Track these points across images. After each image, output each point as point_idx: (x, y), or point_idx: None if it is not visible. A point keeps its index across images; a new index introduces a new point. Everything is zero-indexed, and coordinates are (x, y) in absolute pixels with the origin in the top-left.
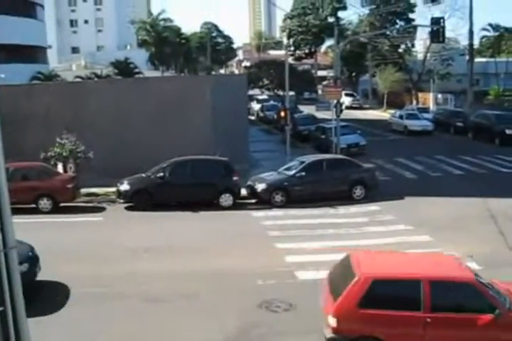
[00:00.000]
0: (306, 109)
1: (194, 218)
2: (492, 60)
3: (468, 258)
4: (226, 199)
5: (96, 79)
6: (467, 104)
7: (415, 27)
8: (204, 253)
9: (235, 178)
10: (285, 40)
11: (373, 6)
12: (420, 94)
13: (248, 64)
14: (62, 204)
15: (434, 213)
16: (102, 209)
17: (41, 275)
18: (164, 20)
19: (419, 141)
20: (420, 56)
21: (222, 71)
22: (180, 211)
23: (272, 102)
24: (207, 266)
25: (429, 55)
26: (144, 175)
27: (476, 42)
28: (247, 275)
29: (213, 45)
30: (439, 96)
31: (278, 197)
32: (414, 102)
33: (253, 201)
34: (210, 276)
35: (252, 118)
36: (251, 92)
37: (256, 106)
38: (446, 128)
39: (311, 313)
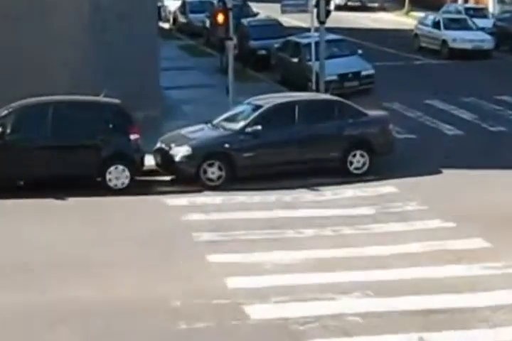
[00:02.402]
0: (265, 10)
1: (58, 211)
2: None
3: None
4: (117, 174)
5: None
6: None
7: None
8: (77, 274)
9: (133, 137)
10: None
11: None
12: None
13: None
14: None
15: (493, 199)
16: None
17: None
18: None
19: (468, 68)
20: None
21: None
22: (32, 198)
23: None
24: (82, 298)
25: None
26: None
27: None
28: (158, 314)
29: None
30: None
31: (213, 171)
32: None
33: (167, 178)
34: (87, 315)
35: (166, 26)
36: None
37: (173, 5)
38: None
39: None
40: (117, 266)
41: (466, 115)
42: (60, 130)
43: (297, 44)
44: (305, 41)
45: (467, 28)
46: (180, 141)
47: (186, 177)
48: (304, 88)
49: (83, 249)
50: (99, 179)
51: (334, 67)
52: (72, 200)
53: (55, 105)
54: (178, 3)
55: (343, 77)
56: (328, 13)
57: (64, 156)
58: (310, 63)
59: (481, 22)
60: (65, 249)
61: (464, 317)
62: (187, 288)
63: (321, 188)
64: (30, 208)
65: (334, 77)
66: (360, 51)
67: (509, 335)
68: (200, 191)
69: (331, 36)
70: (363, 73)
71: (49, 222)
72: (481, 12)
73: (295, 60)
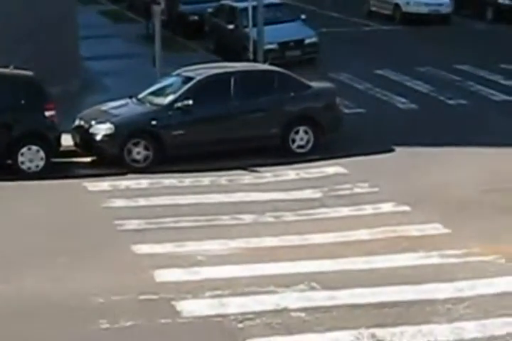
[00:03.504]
0: None
1: None
2: None
3: None
4: (31, 156)
5: None
6: None
7: None
8: None
9: (48, 114)
10: None
11: None
12: None
13: None
14: None
15: (450, 179)
16: None
17: None
18: None
19: (423, 34)
20: None
21: None
22: None
23: None
24: None
25: None
26: None
27: None
28: (77, 313)
29: None
30: None
31: (139, 152)
32: None
33: (87, 159)
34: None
35: None
36: None
37: None
38: (479, 9)
39: None
40: (30, 259)
41: (421, 87)
42: None
43: (233, 8)
44: (241, 5)
45: None
46: (102, 117)
47: (108, 159)
48: (241, 58)
49: None
50: (9, 161)
51: (274, 35)
52: None
53: None
54: None
55: (283, 45)
56: None
57: None
58: (247, 30)
59: None
60: None
61: (422, 310)
62: (110, 283)
63: (260, 169)
64: None
65: (274, 46)
66: (303, 16)
67: (470, 331)
68: (124, 174)
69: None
70: (307, 41)
71: None
72: None
73: (230, 26)
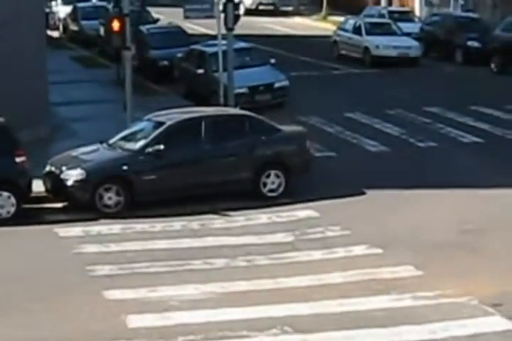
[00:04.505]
0: (166, 16)
1: None
2: None
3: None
4: (1, 202)
5: None
6: (488, 5)
7: None
8: None
9: (18, 159)
10: None
11: None
12: None
13: None
14: None
15: (422, 222)
16: None
17: None
18: None
19: (393, 77)
20: None
21: None
22: None
23: (94, 2)
24: None
25: None
26: None
27: None
28: None
29: None
30: None
31: (110, 197)
32: (384, 0)
33: (59, 205)
34: None
35: (56, 35)
36: None
37: (63, 11)
38: (448, 51)
39: None
40: (1, 307)
41: (391, 129)
42: None
43: (202, 53)
44: (211, 50)
45: (391, 33)
46: (73, 163)
47: (80, 204)
48: (211, 102)
49: None
50: None
51: (244, 79)
52: None
53: None
54: (69, 9)
55: (253, 89)
56: (237, 18)
57: None
58: (217, 74)
59: (406, 26)
60: None
61: None
62: (82, 330)
63: (231, 213)
64: None
65: (244, 90)
66: (272, 60)
67: None
68: (95, 219)
69: (240, 44)
70: (276, 85)
71: None
72: (406, 15)
73: (200, 71)
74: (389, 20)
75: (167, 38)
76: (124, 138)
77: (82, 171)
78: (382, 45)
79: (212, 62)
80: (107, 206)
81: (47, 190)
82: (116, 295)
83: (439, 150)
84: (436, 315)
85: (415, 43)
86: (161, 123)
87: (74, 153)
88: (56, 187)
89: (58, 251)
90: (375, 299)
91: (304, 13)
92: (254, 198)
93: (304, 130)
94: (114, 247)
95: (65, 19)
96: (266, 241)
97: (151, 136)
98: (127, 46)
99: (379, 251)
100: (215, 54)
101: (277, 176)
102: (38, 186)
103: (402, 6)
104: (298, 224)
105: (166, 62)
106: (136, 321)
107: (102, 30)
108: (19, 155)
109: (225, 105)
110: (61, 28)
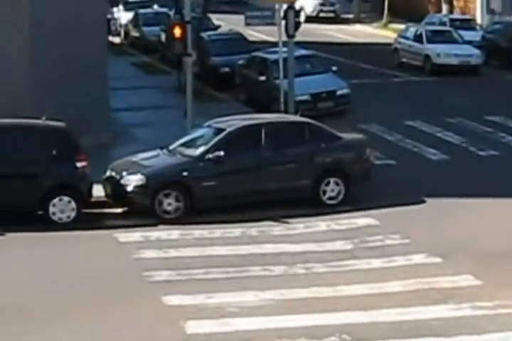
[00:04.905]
0: (227, 23)
1: None
2: None
3: None
4: (62, 207)
5: None
6: None
7: None
8: (13, 323)
9: (79, 164)
10: None
11: None
12: None
13: None
14: None
15: (481, 231)
16: None
17: None
18: None
19: (454, 85)
20: None
21: None
22: None
23: (156, 8)
24: None
25: None
26: None
27: None
28: None
29: None
30: None
31: (170, 203)
32: (445, 8)
33: (119, 210)
34: None
35: (117, 41)
36: None
37: (124, 17)
38: (510, 59)
39: None
40: (60, 310)
41: (452, 138)
42: None
43: (264, 60)
44: (273, 57)
45: (452, 41)
46: (133, 168)
47: (140, 210)
48: (271, 109)
49: (20, 293)
50: (40, 211)
51: (306, 86)
52: (9, 236)
53: None
54: (130, 16)
55: (316, 96)
56: (297, 25)
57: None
58: (278, 81)
59: (468, 34)
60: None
61: None
62: (141, 335)
63: (291, 220)
64: None
65: (306, 97)
66: (334, 68)
67: None
68: (155, 225)
69: (302, 51)
70: (339, 92)
71: None
72: (467, 23)
73: (262, 77)
74: (450, 28)
75: (228, 45)
76: (184, 144)
77: (142, 177)
78: (443, 53)
79: (274, 69)
80: (166, 212)
81: (107, 195)
82: (175, 301)
83: (500, 159)
84: (494, 326)
85: (476, 51)
86: (221, 130)
87: (134, 158)
88: (116, 192)
89: (117, 256)
90: (433, 308)
91: (364, 21)
92: (313, 205)
93: (364, 138)
94: (172, 253)
95: (126, 25)
96: (325, 249)
97: (211, 143)
98: (188, 53)
99: (438, 259)
100: (277, 61)
101: (337, 184)
102: (98, 191)
103: (464, 13)
104: (357, 232)
105: (226, 69)
106: (194, 327)
107: (163, 37)
108: (80, 161)
109: (286, 112)
110: (122, 34)
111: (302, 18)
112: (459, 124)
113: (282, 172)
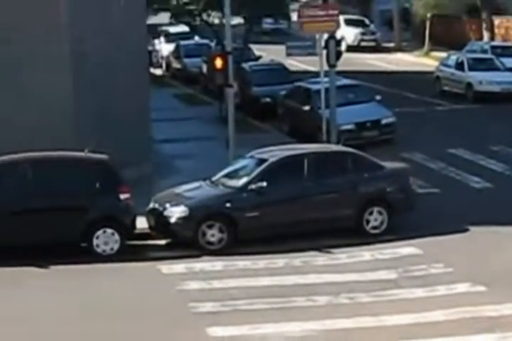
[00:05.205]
0: (268, 53)
1: (37, 281)
2: None
3: None
4: (106, 239)
5: None
6: None
7: None
8: None
9: (123, 196)
10: None
11: None
12: (497, 20)
13: None
14: None
15: None
16: None
17: None
18: None
19: (496, 113)
20: None
21: None
22: (5, 266)
23: (197, 40)
24: None
25: None
26: None
27: None
28: None
29: None
30: None
31: (213, 234)
32: (486, 36)
33: (162, 242)
34: None
35: (159, 72)
36: (155, 20)
37: (166, 49)
38: None
39: None
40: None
41: (495, 165)
42: (39, 190)
43: (307, 90)
44: (316, 87)
45: (494, 68)
46: (176, 200)
47: (183, 241)
48: (315, 139)
49: (65, 325)
50: (84, 244)
51: (350, 115)
52: (53, 268)
53: (33, 163)
54: (171, 47)
55: (360, 126)
56: (339, 55)
57: (43, 220)
58: (321, 112)
59: (509, 61)
60: (42, 324)
61: None
62: None
63: (334, 251)
64: (2, 277)
65: (351, 126)
66: (378, 97)
67: None
68: (198, 256)
69: (345, 81)
70: (383, 121)
71: (24, 294)
72: (509, 50)
73: (306, 107)
74: (492, 56)
75: (269, 75)
76: (227, 175)
77: (185, 208)
78: (485, 80)
79: (318, 99)
80: (209, 243)
81: (150, 227)
82: (219, 333)
83: None
84: None
85: None
86: (263, 161)
87: (177, 190)
88: (160, 224)
89: (161, 287)
90: (478, 337)
91: (405, 49)
92: (356, 235)
93: (406, 167)
94: (216, 284)
95: (167, 57)
96: (368, 279)
97: (254, 173)
98: (230, 83)
99: (482, 288)
100: (319, 91)
101: (380, 213)
102: (141, 223)
103: (505, 40)
104: (401, 262)
105: (268, 99)
106: None
107: (204, 68)
108: (123, 193)
109: (328, 141)
110: (164, 65)
111: (343, 48)
112: (501, 152)
113: (325, 202)
